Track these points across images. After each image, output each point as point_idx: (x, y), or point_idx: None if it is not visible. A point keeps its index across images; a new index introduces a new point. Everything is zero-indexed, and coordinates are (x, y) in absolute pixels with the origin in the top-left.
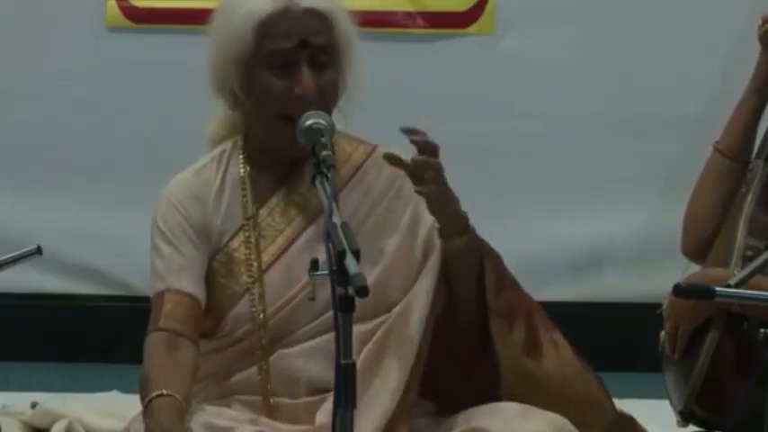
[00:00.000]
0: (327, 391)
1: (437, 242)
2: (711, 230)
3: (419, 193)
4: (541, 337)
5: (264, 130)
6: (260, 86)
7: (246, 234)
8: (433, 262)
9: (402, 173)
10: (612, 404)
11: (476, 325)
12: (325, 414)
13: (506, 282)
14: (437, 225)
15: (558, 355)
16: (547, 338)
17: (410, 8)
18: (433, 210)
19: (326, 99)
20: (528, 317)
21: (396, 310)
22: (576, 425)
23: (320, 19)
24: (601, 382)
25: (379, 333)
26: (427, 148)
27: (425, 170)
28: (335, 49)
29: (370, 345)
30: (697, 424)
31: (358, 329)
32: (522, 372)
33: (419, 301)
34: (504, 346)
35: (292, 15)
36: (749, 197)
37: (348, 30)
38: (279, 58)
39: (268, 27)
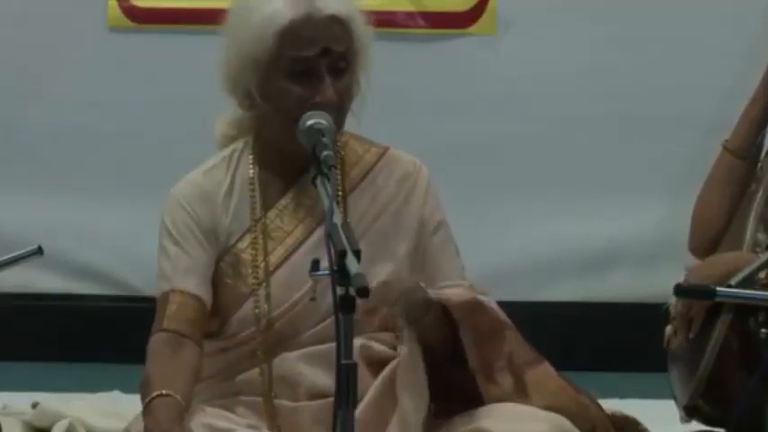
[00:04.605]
0: (327, 396)
1: None
2: (719, 229)
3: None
4: (526, 380)
5: (277, 132)
6: (277, 91)
7: (254, 235)
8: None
9: (411, 177)
10: (610, 424)
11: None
12: None
13: (483, 336)
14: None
15: (544, 392)
16: (531, 379)
17: (410, 8)
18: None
19: (344, 104)
20: (510, 364)
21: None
22: None
23: (341, 25)
24: (598, 406)
25: (386, 373)
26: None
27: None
28: (352, 54)
29: (379, 384)
30: (701, 420)
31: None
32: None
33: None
34: (491, 395)
35: (315, 22)
36: (759, 194)
37: (364, 33)
38: (299, 64)
39: (290, 33)
